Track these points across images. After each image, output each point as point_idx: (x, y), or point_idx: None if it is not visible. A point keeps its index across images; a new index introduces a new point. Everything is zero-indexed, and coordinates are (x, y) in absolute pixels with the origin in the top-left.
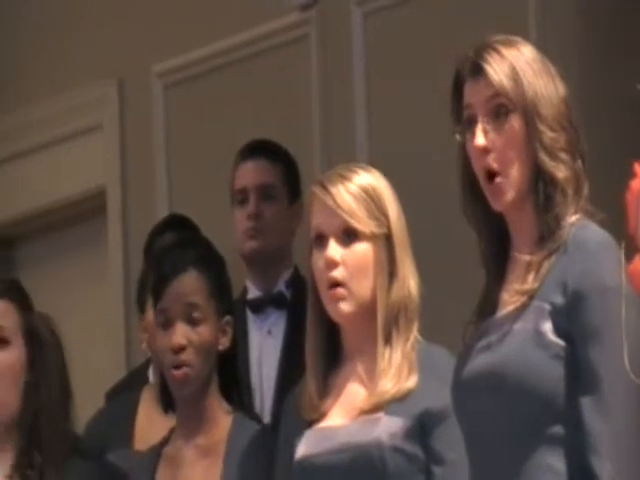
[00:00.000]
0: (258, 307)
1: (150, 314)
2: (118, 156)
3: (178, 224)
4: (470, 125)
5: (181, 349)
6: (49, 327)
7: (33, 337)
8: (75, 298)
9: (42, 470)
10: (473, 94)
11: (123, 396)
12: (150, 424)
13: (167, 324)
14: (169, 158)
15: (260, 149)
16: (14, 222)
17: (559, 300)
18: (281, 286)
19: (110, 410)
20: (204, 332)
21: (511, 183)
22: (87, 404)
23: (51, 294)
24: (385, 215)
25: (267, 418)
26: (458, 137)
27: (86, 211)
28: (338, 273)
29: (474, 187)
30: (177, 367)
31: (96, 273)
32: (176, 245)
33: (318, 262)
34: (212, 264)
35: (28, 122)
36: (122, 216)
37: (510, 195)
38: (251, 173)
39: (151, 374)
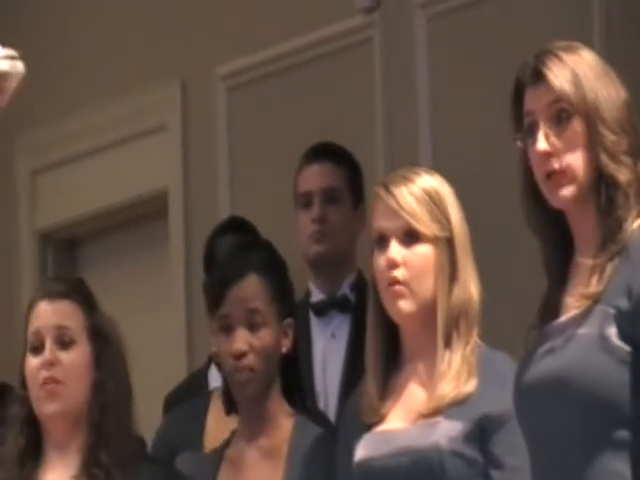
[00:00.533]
0: (322, 310)
1: None
2: (181, 157)
3: (238, 227)
4: (531, 131)
5: (242, 355)
6: (113, 327)
7: (98, 336)
8: (136, 299)
9: (109, 470)
10: (534, 100)
11: (192, 401)
12: (219, 429)
13: (228, 329)
14: (231, 160)
15: (325, 152)
16: (77, 222)
17: (624, 305)
18: (345, 289)
19: (180, 415)
20: (265, 337)
21: (570, 179)
22: (147, 406)
23: (113, 295)
24: (447, 219)
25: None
26: (519, 144)
27: (148, 212)
28: (399, 273)
29: (536, 193)
30: (239, 371)
31: (158, 274)
32: (237, 249)
33: (379, 262)
34: (273, 268)
35: (92, 123)
36: (184, 217)
37: (569, 191)
38: (316, 176)
39: (210, 377)
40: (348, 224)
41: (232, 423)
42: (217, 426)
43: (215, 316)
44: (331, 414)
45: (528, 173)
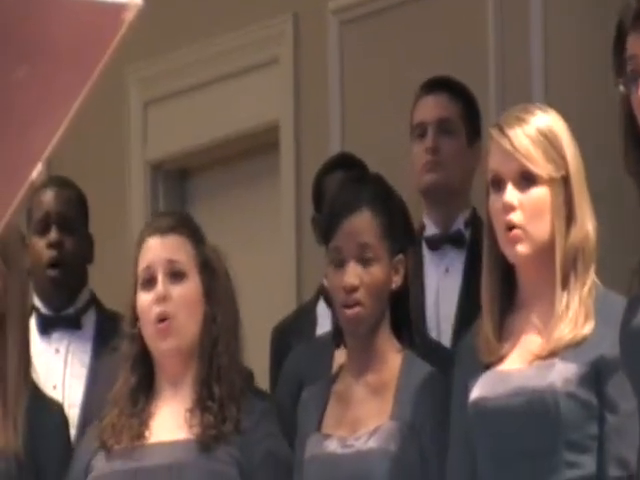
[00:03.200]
0: (436, 245)
1: None
2: (292, 91)
3: (348, 163)
4: (635, 76)
5: (353, 289)
6: (221, 259)
7: (207, 269)
8: (246, 232)
9: (222, 402)
10: (637, 45)
11: (320, 336)
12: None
13: (339, 263)
14: (343, 93)
15: (441, 85)
16: (188, 154)
17: None
18: (460, 225)
19: (307, 350)
20: (376, 272)
21: None
22: (256, 339)
23: (222, 227)
24: (563, 157)
25: None
26: (621, 88)
27: (259, 145)
28: (515, 217)
29: (637, 137)
30: (349, 306)
31: (268, 207)
32: (350, 183)
33: (495, 205)
34: (386, 202)
35: (205, 56)
36: (295, 151)
37: None
38: (430, 107)
39: (319, 310)
40: (462, 157)
41: None
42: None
43: (328, 248)
44: None
45: (629, 118)
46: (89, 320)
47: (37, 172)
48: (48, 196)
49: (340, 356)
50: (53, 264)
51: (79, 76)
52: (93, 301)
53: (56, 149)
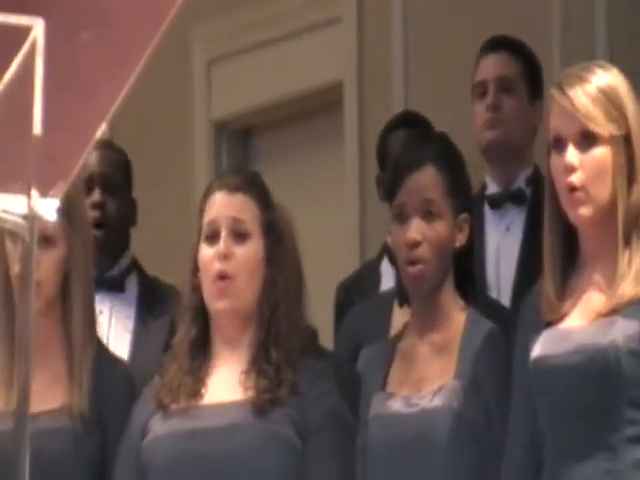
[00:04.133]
0: (497, 203)
1: None
2: (356, 50)
3: (412, 121)
4: None
5: (416, 244)
6: (287, 222)
7: (272, 232)
8: (309, 190)
9: (279, 366)
10: None
11: (378, 295)
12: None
13: (403, 219)
14: (406, 52)
15: (502, 44)
16: (252, 113)
17: None
18: (521, 183)
19: (365, 309)
20: (440, 228)
21: None
22: (320, 298)
23: (285, 186)
24: (624, 116)
25: None
26: None
27: (323, 104)
28: (576, 178)
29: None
30: (412, 263)
31: (331, 166)
32: (415, 140)
33: (557, 165)
34: (450, 160)
35: (269, 14)
36: (358, 110)
37: None
38: (491, 66)
39: (383, 268)
40: (522, 115)
41: None
42: (403, 317)
43: (390, 206)
44: None
45: None
46: (132, 283)
47: (101, 132)
48: (92, 158)
49: (398, 314)
50: (96, 225)
51: (143, 37)
52: (134, 265)
53: (120, 109)
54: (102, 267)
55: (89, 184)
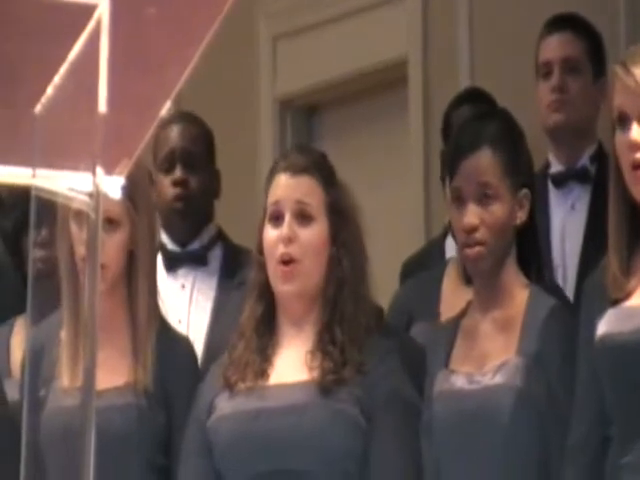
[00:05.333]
0: (561, 181)
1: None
2: (421, 26)
3: (476, 97)
4: None
5: (473, 229)
6: (351, 201)
7: (336, 212)
8: (374, 168)
9: (343, 346)
10: None
11: (428, 271)
12: (455, 298)
13: (460, 202)
14: (472, 29)
15: (566, 22)
16: (316, 90)
17: None
18: (585, 161)
19: (416, 284)
20: (497, 211)
21: None
22: (385, 275)
23: (350, 163)
24: None
25: (570, 293)
26: None
27: (388, 81)
28: None
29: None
30: (470, 246)
31: (396, 143)
32: (473, 119)
33: (621, 143)
34: (508, 139)
35: None
36: (423, 86)
37: None
38: (556, 46)
39: (447, 245)
40: (588, 95)
41: (468, 291)
42: (453, 294)
43: (449, 187)
44: (570, 287)
45: None
46: (215, 256)
47: (166, 109)
48: (173, 133)
49: (448, 290)
50: (178, 199)
51: (208, 13)
52: (220, 236)
53: (186, 85)
54: (185, 240)
55: (171, 160)
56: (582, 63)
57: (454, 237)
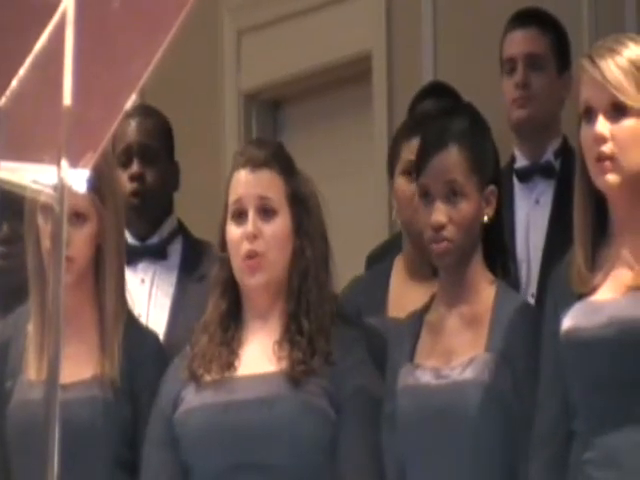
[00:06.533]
0: (526, 176)
1: (400, 183)
2: (384, 20)
3: (439, 91)
4: None
5: (441, 227)
6: (312, 190)
7: (298, 203)
8: (338, 161)
9: (311, 336)
10: None
11: (376, 266)
12: (403, 293)
13: (428, 199)
14: (436, 23)
15: (530, 17)
16: (281, 84)
17: None
18: (549, 156)
19: (364, 278)
20: (465, 208)
21: None
22: (349, 267)
23: (315, 157)
24: None
25: (533, 287)
26: None
27: (352, 74)
28: (606, 148)
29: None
30: (438, 242)
31: (361, 137)
32: (439, 116)
33: (587, 136)
34: (475, 135)
35: None
36: (387, 80)
37: None
38: (520, 42)
39: None
40: (552, 90)
41: (416, 287)
42: (401, 290)
43: (416, 184)
44: (533, 281)
45: None
46: (175, 249)
47: (131, 102)
48: (131, 127)
49: (395, 286)
50: (135, 194)
51: (173, 6)
52: (180, 230)
53: (151, 79)
54: (143, 234)
55: (128, 155)
56: (546, 58)
57: (407, 232)
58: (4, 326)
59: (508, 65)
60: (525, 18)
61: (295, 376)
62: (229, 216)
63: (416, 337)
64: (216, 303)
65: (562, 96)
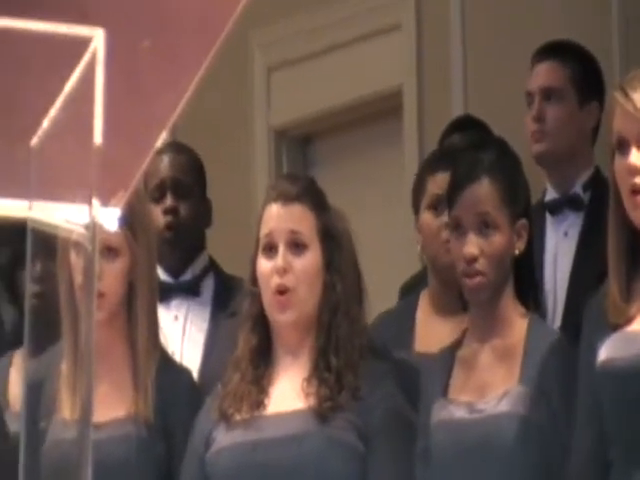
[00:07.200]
0: (555, 209)
1: (425, 217)
2: (415, 56)
3: (467, 125)
4: None
5: (473, 259)
6: (343, 224)
7: (329, 237)
8: (369, 195)
9: (340, 372)
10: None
11: (402, 301)
12: (428, 328)
13: (460, 231)
14: (465, 58)
15: (550, 51)
16: (312, 119)
17: None
18: (578, 188)
19: (390, 315)
20: (497, 241)
21: None
22: (381, 300)
23: (346, 191)
24: None
25: (558, 320)
26: None
27: (382, 110)
28: None
29: None
30: (470, 276)
31: (391, 171)
32: (470, 149)
33: (620, 167)
34: (506, 168)
35: (328, 21)
36: (418, 116)
37: None
38: (537, 76)
39: None
40: (570, 122)
41: (441, 322)
42: (426, 325)
43: (449, 216)
44: (559, 312)
45: None
46: (207, 286)
47: (162, 140)
48: (163, 163)
49: (421, 319)
50: (168, 228)
51: (203, 44)
52: (212, 266)
53: (181, 116)
54: (176, 270)
55: (161, 190)
56: (563, 91)
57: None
58: (38, 366)
59: (528, 99)
60: (546, 52)
61: (322, 412)
62: (260, 250)
63: (449, 372)
64: (247, 338)
65: (586, 127)
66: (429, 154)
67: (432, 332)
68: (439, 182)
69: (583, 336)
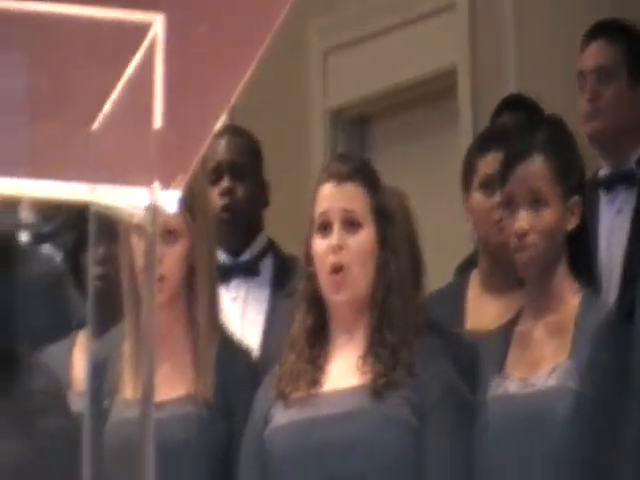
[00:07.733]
0: (609, 185)
1: (476, 197)
2: (468, 35)
3: (517, 104)
4: None
5: (524, 234)
6: (400, 202)
7: (383, 215)
8: (425, 176)
9: (394, 349)
10: None
11: (453, 280)
12: (478, 306)
13: (512, 207)
14: (519, 37)
15: (601, 30)
16: (367, 101)
17: None
18: (632, 163)
19: (441, 295)
20: (548, 217)
21: None
22: (438, 281)
23: (401, 171)
24: None
25: (613, 296)
26: None
27: (437, 90)
28: None
29: None
30: (521, 251)
31: (446, 152)
32: (524, 126)
33: None
34: (559, 146)
35: (382, 4)
36: (472, 95)
37: None
38: (588, 56)
39: None
40: (623, 100)
41: (492, 301)
42: (477, 304)
43: (501, 193)
44: (614, 289)
45: None
46: (266, 266)
47: (220, 123)
48: (220, 146)
49: (472, 298)
50: (225, 209)
51: (260, 29)
52: (270, 247)
53: (239, 99)
54: (235, 250)
55: (218, 172)
56: (615, 69)
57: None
58: (101, 346)
59: (580, 80)
60: (596, 30)
61: (377, 389)
62: (315, 229)
63: (505, 350)
64: (302, 318)
65: (638, 104)
66: (478, 134)
67: (482, 311)
68: (490, 162)
69: (636, 316)
